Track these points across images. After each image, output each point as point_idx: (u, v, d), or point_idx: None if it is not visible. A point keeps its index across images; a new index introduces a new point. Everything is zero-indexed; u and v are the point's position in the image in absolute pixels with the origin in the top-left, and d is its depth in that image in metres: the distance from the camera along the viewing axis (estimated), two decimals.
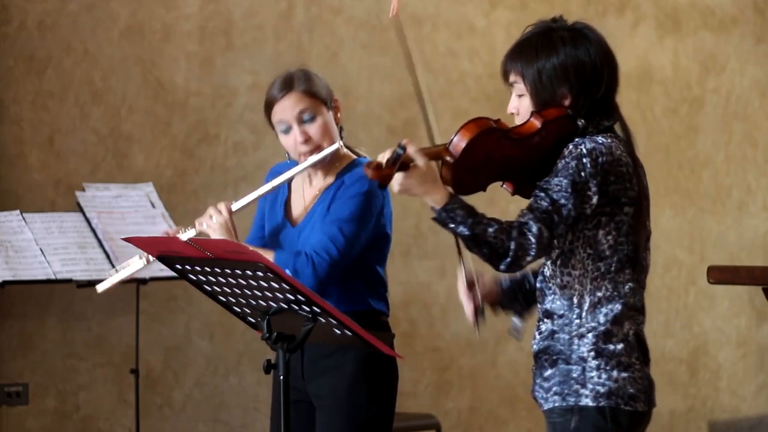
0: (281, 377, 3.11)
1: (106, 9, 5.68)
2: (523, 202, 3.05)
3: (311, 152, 3.62)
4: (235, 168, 5.87)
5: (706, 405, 6.85)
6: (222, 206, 3.63)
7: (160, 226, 5.21)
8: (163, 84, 5.77)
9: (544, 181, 3.00)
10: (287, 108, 3.61)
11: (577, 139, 3.04)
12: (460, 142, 3.01)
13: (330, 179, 3.69)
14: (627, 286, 3.06)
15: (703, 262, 6.52)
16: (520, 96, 3.12)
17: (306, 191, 3.73)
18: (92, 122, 5.67)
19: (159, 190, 5.44)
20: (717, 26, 6.85)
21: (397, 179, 2.98)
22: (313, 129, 3.62)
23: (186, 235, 3.63)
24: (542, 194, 2.98)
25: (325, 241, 3.56)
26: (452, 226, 2.95)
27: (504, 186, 3.12)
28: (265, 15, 5.94)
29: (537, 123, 3.06)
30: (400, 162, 2.95)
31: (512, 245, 2.92)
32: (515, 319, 3.27)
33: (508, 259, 2.93)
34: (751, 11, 6.93)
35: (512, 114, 3.16)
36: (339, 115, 3.71)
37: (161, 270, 4.78)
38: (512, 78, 3.13)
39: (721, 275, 4.73)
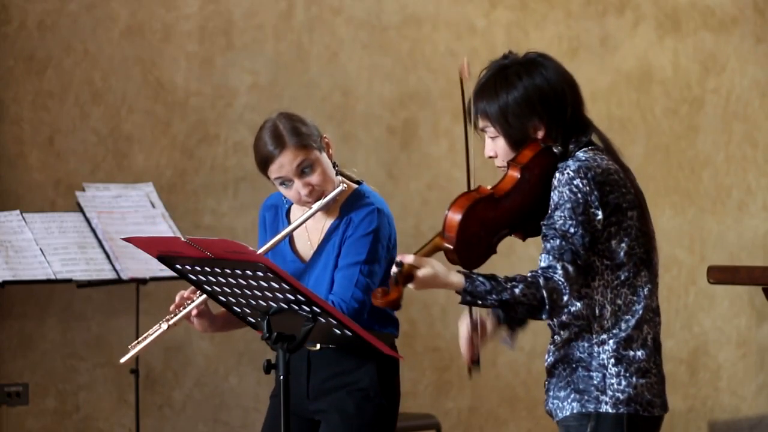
0: (281, 377, 3.11)
1: (106, 9, 5.68)
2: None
3: (316, 200, 3.62)
4: (235, 168, 5.86)
5: (706, 405, 6.85)
6: None
7: (160, 226, 5.21)
8: (163, 84, 5.77)
9: (547, 218, 3.01)
10: (285, 165, 3.59)
11: (560, 165, 3.04)
12: (451, 227, 2.99)
13: (334, 214, 3.67)
14: (646, 289, 3.07)
15: (703, 262, 6.52)
16: (493, 138, 3.12)
17: (310, 227, 3.71)
18: (92, 122, 5.67)
19: (159, 190, 5.43)
20: (717, 26, 6.85)
21: (412, 286, 2.97)
22: (315, 178, 3.61)
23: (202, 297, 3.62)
24: (551, 232, 2.99)
25: (349, 287, 3.57)
26: (480, 303, 2.97)
27: (513, 236, 3.12)
28: (265, 15, 5.94)
29: (515, 173, 3.06)
30: (404, 276, 2.93)
31: (544, 294, 2.93)
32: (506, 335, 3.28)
33: (547, 308, 2.95)
34: (751, 11, 6.93)
35: (491, 157, 3.16)
36: (331, 151, 3.70)
37: (161, 270, 4.78)
38: (481, 124, 3.13)
39: (721, 275, 4.73)
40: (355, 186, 3.72)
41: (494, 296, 2.94)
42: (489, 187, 3.06)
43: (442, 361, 6.32)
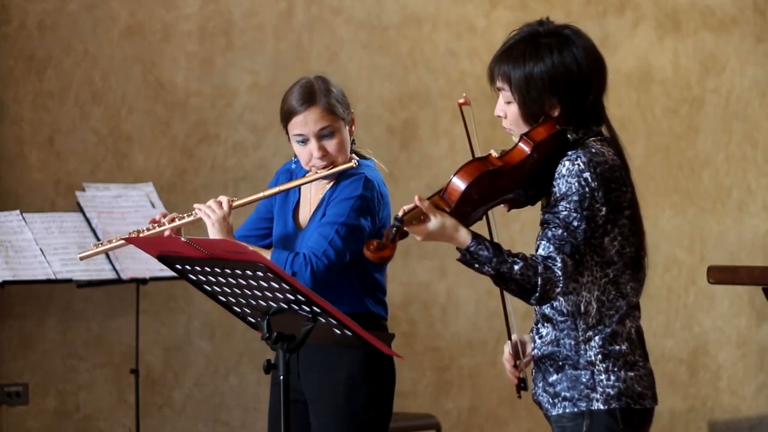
0: (281, 377, 3.11)
1: (106, 9, 5.68)
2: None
3: (325, 166, 3.64)
4: (235, 168, 5.87)
5: (706, 405, 6.85)
6: (224, 200, 3.65)
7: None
8: (163, 84, 5.77)
9: (551, 206, 2.99)
10: (308, 123, 3.62)
11: (570, 153, 3.01)
12: (453, 192, 2.99)
13: (331, 183, 3.70)
14: (629, 286, 3.06)
15: (703, 262, 6.52)
16: (507, 102, 3.10)
17: (312, 196, 3.75)
18: (92, 122, 5.67)
19: (159, 190, 5.44)
20: (717, 26, 6.85)
21: (419, 231, 2.96)
22: (331, 145, 3.63)
23: (182, 221, 3.64)
24: (556, 221, 2.97)
25: (322, 242, 3.57)
26: (477, 266, 2.96)
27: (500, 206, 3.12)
28: (265, 15, 5.94)
29: (526, 148, 3.03)
30: (401, 233, 2.93)
31: (539, 281, 2.92)
32: None
33: (537, 294, 2.94)
34: (751, 11, 6.93)
35: (499, 116, 3.15)
36: (353, 127, 3.72)
37: (161, 270, 4.79)
38: (499, 84, 3.09)
39: (721, 275, 4.73)
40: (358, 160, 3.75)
41: (493, 265, 2.93)
42: (497, 156, 3.04)
43: (442, 361, 6.31)
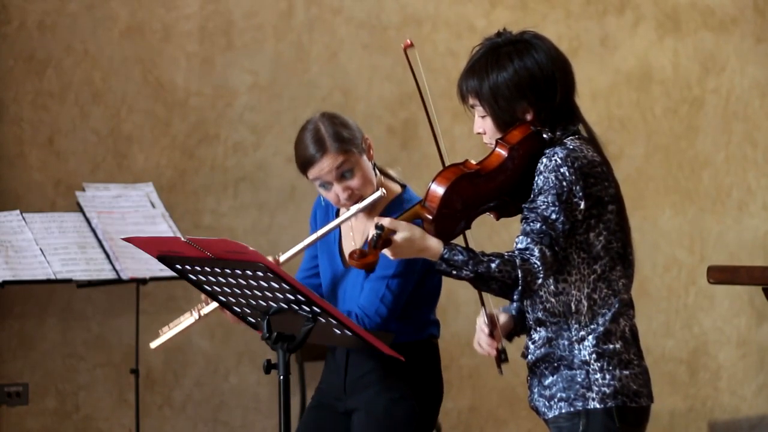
0: (281, 377, 3.11)
1: (106, 9, 5.68)
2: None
3: (355, 202, 3.62)
4: (235, 168, 5.87)
5: (706, 405, 6.85)
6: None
7: (160, 226, 5.21)
8: (163, 84, 5.77)
9: (530, 202, 3.01)
10: (325, 169, 3.61)
11: (547, 151, 3.05)
12: (433, 198, 3.00)
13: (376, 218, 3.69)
14: (620, 283, 3.08)
15: (703, 262, 6.52)
16: (482, 117, 3.13)
17: (355, 231, 3.74)
18: (92, 122, 5.67)
19: (159, 190, 5.44)
20: (717, 26, 6.85)
21: (388, 251, 2.97)
22: (354, 182, 3.63)
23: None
24: (533, 215, 2.99)
25: (373, 301, 3.59)
26: (455, 273, 2.96)
27: (488, 214, 3.12)
28: (265, 15, 5.94)
29: (503, 152, 3.05)
30: (383, 240, 2.93)
31: (519, 273, 2.93)
32: None
33: (519, 288, 2.95)
34: (751, 11, 6.93)
35: (479, 134, 3.17)
36: (371, 152, 3.70)
37: (161, 270, 4.79)
38: (471, 101, 3.15)
39: (721, 275, 4.73)
40: (399, 191, 3.72)
41: (470, 268, 2.94)
42: (475, 162, 3.06)
43: (442, 361, 6.30)
